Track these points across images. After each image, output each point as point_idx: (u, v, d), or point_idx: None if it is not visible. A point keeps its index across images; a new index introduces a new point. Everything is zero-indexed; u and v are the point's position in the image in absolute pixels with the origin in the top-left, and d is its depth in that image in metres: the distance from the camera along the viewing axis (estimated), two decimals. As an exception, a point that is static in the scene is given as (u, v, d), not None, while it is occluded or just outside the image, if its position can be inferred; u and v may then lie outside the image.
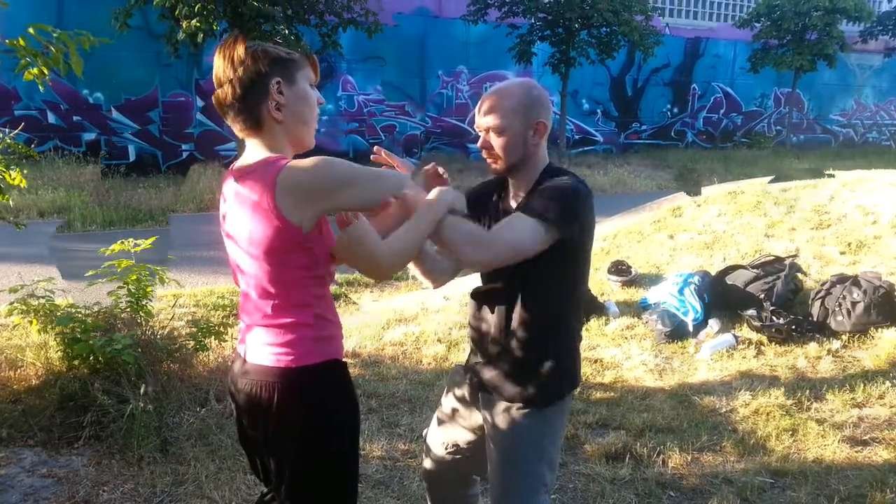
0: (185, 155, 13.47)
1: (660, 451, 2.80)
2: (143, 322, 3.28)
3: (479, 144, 1.63)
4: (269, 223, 1.28)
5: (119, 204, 9.72)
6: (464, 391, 1.80)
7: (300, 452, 1.38)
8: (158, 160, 13.28)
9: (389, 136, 15.35)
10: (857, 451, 2.84)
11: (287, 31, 10.09)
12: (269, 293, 1.35)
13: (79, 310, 3.15)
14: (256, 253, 1.32)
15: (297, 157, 1.36)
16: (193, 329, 3.33)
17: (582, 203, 1.53)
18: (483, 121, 1.60)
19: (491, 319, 1.66)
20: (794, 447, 2.87)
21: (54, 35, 2.57)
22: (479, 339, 1.71)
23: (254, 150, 1.38)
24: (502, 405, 1.66)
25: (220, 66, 1.35)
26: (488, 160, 1.63)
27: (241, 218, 1.33)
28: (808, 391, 3.41)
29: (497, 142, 1.58)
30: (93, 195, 9.95)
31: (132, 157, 13.05)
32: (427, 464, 1.90)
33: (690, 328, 4.20)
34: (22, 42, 2.58)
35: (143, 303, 3.26)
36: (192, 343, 3.30)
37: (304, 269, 1.35)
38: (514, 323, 1.63)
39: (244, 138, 1.40)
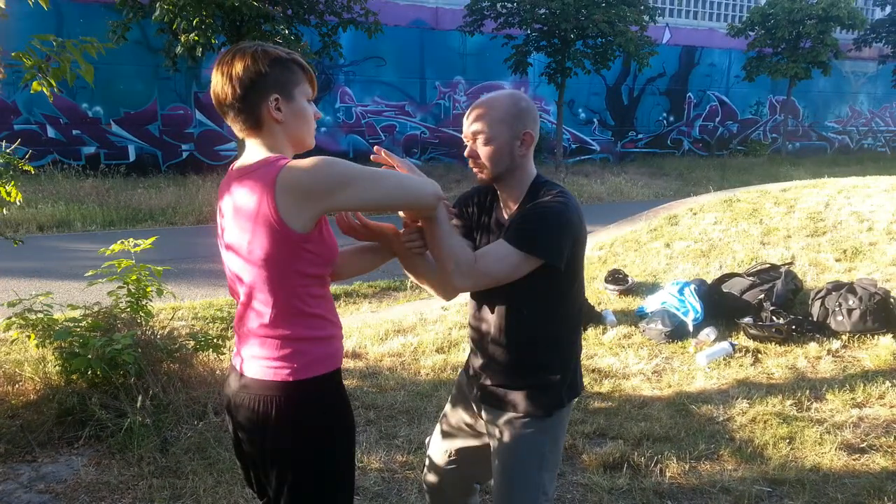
0: (185, 155, 13.53)
1: (657, 460, 2.81)
2: (143, 322, 3.30)
3: (465, 153, 1.65)
4: (269, 228, 1.29)
5: (119, 204, 9.76)
6: (466, 401, 1.81)
7: (298, 466, 1.39)
8: (158, 160, 13.32)
9: (389, 136, 15.43)
10: (854, 459, 2.84)
11: (287, 31, 10.16)
12: (269, 301, 1.35)
13: (77, 323, 3.17)
14: (256, 260, 1.32)
15: (297, 157, 1.36)
16: (192, 342, 3.35)
17: (567, 228, 1.55)
18: (470, 129, 1.62)
19: (491, 319, 1.67)
20: (791, 455, 2.87)
21: (55, 43, 2.60)
22: (479, 340, 1.72)
23: (254, 150, 1.39)
24: (504, 415, 1.67)
25: (219, 82, 1.36)
26: (475, 169, 1.65)
27: (241, 226, 1.33)
28: (808, 391, 3.44)
29: (484, 151, 1.61)
30: (92, 195, 10.01)
31: (132, 157, 13.09)
32: (429, 472, 1.91)
33: (690, 328, 4.22)
34: (26, 56, 2.61)
35: (143, 303, 3.28)
36: (192, 343, 3.31)
37: (304, 271, 1.35)
38: (514, 323, 1.64)
39: (244, 138, 1.41)
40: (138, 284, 3.26)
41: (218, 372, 3.42)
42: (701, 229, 6.31)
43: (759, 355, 3.95)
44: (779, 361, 3.85)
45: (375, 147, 1.57)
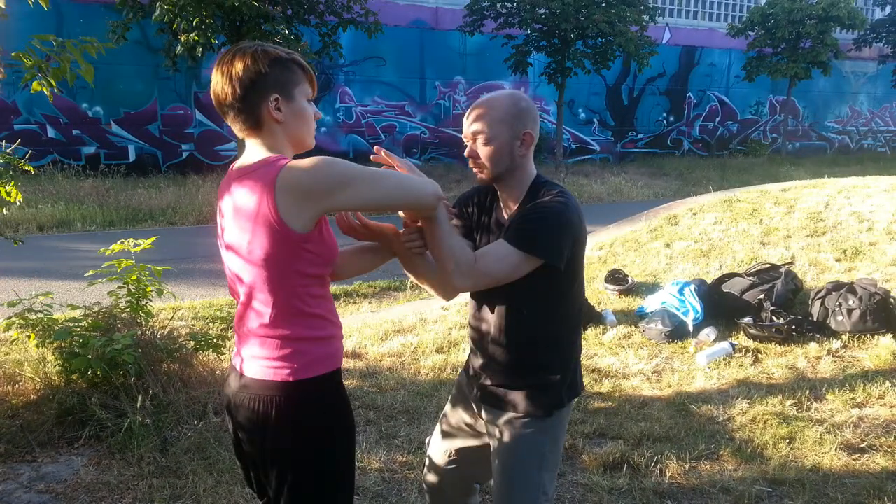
0: (185, 155, 13.53)
1: (657, 460, 2.81)
2: (143, 322, 3.30)
3: (466, 153, 1.65)
4: (269, 228, 1.29)
5: (119, 204, 9.77)
6: (466, 401, 1.81)
7: (298, 466, 1.39)
8: (158, 160, 13.33)
9: (389, 136, 15.44)
10: (854, 459, 2.84)
11: (287, 31, 10.16)
12: (269, 302, 1.35)
13: (77, 323, 3.17)
14: (256, 260, 1.32)
15: (297, 157, 1.36)
16: (192, 342, 3.35)
17: (567, 228, 1.55)
18: (470, 129, 1.62)
19: (491, 319, 1.67)
20: (791, 455, 2.87)
21: (55, 43, 2.60)
22: (479, 340, 1.72)
23: (254, 150, 1.39)
24: (504, 415, 1.68)
25: (219, 82, 1.36)
26: (475, 169, 1.65)
27: (241, 226, 1.33)
28: (808, 391, 3.44)
29: (484, 151, 1.61)
30: (92, 195, 10.01)
31: (132, 158, 13.10)
32: (429, 472, 1.91)
33: (690, 328, 4.22)
34: (26, 56, 2.61)
35: (143, 303, 3.29)
36: (192, 343, 3.31)
37: (304, 271, 1.35)
38: (514, 323, 1.64)
39: (244, 138, 1.41)
40: (138, 284, 3.26)
41: (218, 372, 3.42)
42: (701, 229, 6.31)
43: (759, 355, 3.95)
44: (779, 361, 3.85)
45: (375, 147, 1.57)
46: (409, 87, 15.61)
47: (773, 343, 4.03)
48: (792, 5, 16.33)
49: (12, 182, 3.10)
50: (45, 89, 2.71)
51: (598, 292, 5.15)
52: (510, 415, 1.67)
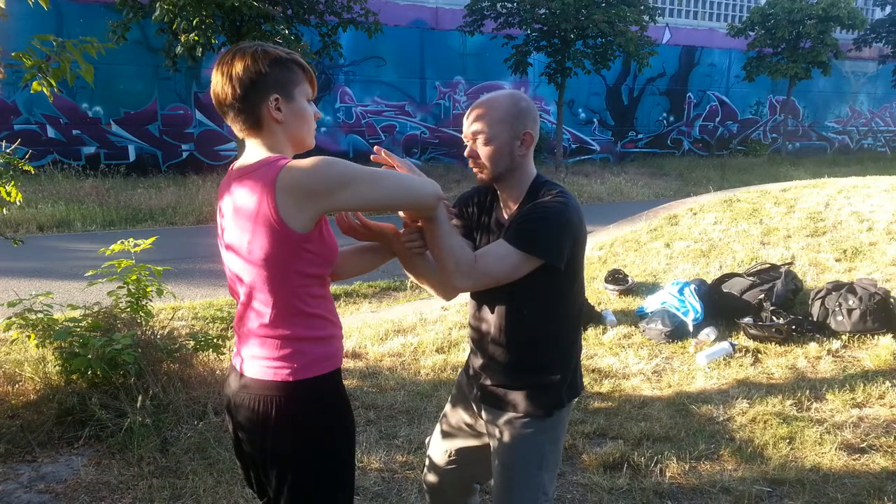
0: (185, 155, 13.54)
1: (657, 460, 2.81)
2: (143, 322, 3.30)
3: (465, 153, 1.65)
4: (269, 228, 1.29)
5: (119, 204, 9.78)
6: (466, 401, 1.81)
7: (298, 466, 1.39)
8: (158, 160, 13.33)
9: (389, 136, 15.44)
10: (854, 459, 2.85)
11: (287, 31, 10.17)
12: (269, 301, 1.35)
13: (77, 323, 3.17)
14: (256, 260, 1.32)
15: (297, 157, 1.36)
16: (192, 342, 3.35)
17: (567, 228, 1.55)
18: (470, 129, 1.62)
19: (491, 319, 1.67)
20: (791, 455, 2.87)
21: (55, 43, 2.60)
22: (479, 340, 1.73)
23: (254, 150, 1.39)
24: (504, 415, 1.68)
25: (219, 82, 1.36)
26: (475, 169, 1.66)
27: (241, 226, 1.33)
28: (807, 391, 3.44)
29: (484, 151, 1.61)
30: (92, 195, 10.02)
31: (132, 158, 13.10)
32: (429, 472, 1.91)
33: (690, 328, 4.23)
34: (26, 56, 2.61)
35: (143, 303, 3.29)
36: (192, 343, 3.31)
37: (304, 271, 1.35)
38: (514, 323, 1.65)
39: (244, 138, 1.41)
40: (138, 284, 3.26)
41: (218, 372, 3.42)
42: (701, 229, 6.31)
43: (759, 355, 3.95)
44: (779, 361, 3.85)
45: (375, 147, 1.57)
46: (409, 87, 15.62)
47: (773, 343, 4.03)
48: (792, 5, 16.34)
49: (12, 182, 3.10)
50: (45, 89, 2.71)
51: (598, 292, 5.15)
52: (510, 415, 1.67)
